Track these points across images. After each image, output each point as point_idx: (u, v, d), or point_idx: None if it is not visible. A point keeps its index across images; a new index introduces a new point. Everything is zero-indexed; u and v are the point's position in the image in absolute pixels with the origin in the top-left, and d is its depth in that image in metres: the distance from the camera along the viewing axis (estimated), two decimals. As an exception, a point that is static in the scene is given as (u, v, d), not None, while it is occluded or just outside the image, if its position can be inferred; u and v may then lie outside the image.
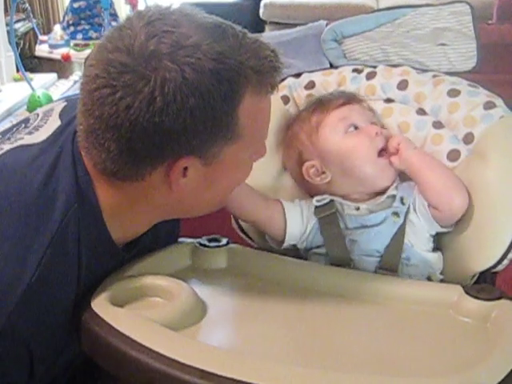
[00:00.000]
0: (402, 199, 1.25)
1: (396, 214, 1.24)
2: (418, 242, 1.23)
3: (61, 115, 1.17)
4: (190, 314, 1.04)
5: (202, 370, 0.87)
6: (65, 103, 1.22)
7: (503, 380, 0.86)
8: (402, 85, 1.35)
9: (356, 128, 1.28)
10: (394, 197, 1.25)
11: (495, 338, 0.97)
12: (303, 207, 1.29)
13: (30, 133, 1.15)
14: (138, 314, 1.01)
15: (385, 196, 1.25)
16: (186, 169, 1.02)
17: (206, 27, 1.00)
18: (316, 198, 1.28)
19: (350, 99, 1.33)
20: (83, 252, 1.05)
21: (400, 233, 1.23)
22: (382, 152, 1.26)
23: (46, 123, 1.16)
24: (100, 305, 1.03)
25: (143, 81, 0.95)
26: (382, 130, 1.28)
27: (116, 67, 0.97)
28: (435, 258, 1.24)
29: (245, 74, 1.00)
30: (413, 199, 1.24)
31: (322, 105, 1.33)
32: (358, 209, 1.26)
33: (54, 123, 1.15)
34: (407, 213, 1.24)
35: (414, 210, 1.24)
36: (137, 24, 0.99)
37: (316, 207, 1.28)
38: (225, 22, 1.03)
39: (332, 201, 1.27)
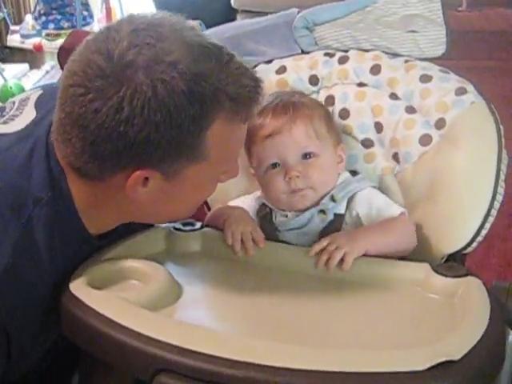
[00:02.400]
0: (332, 196, 1.25)
1: (322, 211, 1.25)
2: None
3: (36, 105, 1.18)
4: (166, 296, 1.06)
5: (180, 347, 0.89)
6: (40, 91, 1.22)
7: (470, 351, 0.89)
8: (375, 69, 1.37)
9: (278, 165, 1.26)
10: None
11: (462, 313, 1.00)
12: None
13: (5, 122, 1.16)
14: (116, 295, 1.03)
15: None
16: (146, 179, 1.03)
17: (190, 45, 0.99)
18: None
19: (278, 128, 1.26)
20: (57, 239, 1.06)
21: (330, 228, 1.24)
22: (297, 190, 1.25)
23: (21, 113, 1.17)
24: (79, 288, 1.05)
25: (115, 89, 0.96)
26: (301, 172, 1.24)
27: (93, 69, 0.98)
28: None
29: (218, 100, 1.00)
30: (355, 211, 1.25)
31: (253, 125, 1.26)
32: (286, 216, 1.28)
33: (30, 114, 1.16)
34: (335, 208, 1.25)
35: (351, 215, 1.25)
36: (124, 29, 0.99)
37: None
38: (213, 43, 1.02)
39: (264, 204, 1.31)
